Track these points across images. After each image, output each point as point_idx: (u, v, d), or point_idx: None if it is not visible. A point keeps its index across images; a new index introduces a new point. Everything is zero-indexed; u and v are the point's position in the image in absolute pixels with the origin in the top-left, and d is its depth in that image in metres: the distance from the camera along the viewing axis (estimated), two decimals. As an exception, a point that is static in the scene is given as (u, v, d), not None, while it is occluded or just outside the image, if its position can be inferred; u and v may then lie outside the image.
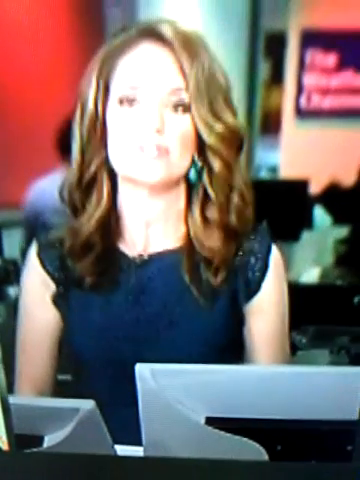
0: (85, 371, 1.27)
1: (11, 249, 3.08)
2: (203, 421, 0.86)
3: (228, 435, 0.86)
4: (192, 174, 1.24)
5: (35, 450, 0.89)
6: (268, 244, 1.25)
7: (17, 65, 4.47)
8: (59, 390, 1.33)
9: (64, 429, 0.89)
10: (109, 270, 1.25)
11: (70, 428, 0.88)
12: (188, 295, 1.21)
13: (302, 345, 2.02)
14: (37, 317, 1.30)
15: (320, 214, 4.41)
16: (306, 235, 3.59)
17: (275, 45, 7.69)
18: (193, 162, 1.22)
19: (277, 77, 7.85)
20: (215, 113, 1.18)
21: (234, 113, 1.21)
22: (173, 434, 0.88)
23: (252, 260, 1.23)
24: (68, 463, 0.78)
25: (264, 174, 6.68)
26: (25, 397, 0.91)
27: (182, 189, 1.25)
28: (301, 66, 8.05)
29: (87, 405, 0.88)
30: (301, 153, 7.38)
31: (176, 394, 0.85)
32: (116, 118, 1.19)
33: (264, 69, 7.74)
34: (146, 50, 1.18)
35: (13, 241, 3.19)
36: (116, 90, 1.19)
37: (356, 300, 2.30)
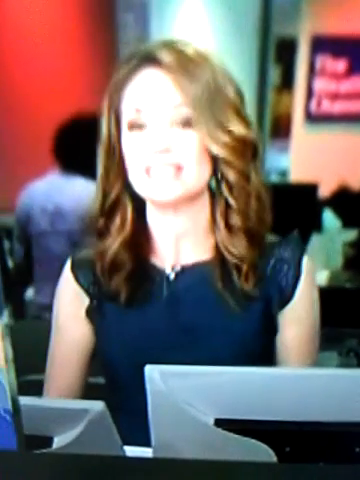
0: (120, 381, 1.29)
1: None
2: (212, 422, 0.87)
3: (237, 436, 0.86)
4: (212, 184, 1.26)
5: (44, 451, 0.89)
6: (300, 252, 1.27)
7: (29, 71, 4.50)
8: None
9: (74, 430, 0.89)
10: (142, 284, 1.27)
11: (79, 429, 0.89)
12: (221, 304, 1.23)
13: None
14: (69, 331, 1.32)
15: (329, 217, 4.40)
16: (315, 238, 3.58)
17: (286, 51, 7.71)
18: (212, 173, 1.24)
19: (287, 82, 7.86)
20: (222, 126, 1.19)
21: (246, 123, 1.23)
22: (182, 435, 0.88)
23: (285, 268, 1.25)
24: (77, 464, 0.79)
25: (274, 178, 6.69)
26: (35, 398, 0.91)
27: (206, 200, 1.26)
28: (311, 71, 8.05)
29: (96, 406, 0.88)
30: (311, 157, 7.37)
31: (185, 396, 0.86)
32: (128, 144, 1.22)
33: (275, 74, 7.75)
34: (148, 75, 1.21)
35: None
36: (125, 117, 1.22)
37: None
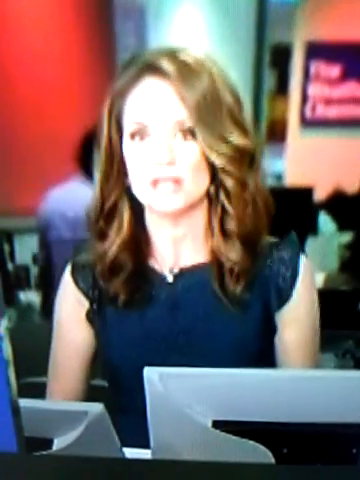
0: (121, 383, 1.30)
1: (23, 255, 3.08)
2: (210, 424, 0.87)
3: (235, 438, 0.86)
4: (210, 190, 1.26)
5: (44, 453, 0.90)
6: (297, 253, 1.27)
7: (28, 78, 4.51)
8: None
9: (73, 432, 0.90)
10: (142, 287, 1.28)
11: (79, 431, 0.89)
12: (220, 306, 1.24)
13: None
14: (71, 334, 1.33)
15: (325, 220, 4.42)
16: (311, 241, 3.59)
17: (281, 57, 7.72)
18: (210, 181, 1.24)
19: (282, 87, 7.88)
20: (221, 136, 1.20)
21: (244, 130, 1.23)
22: (181, 437, 0.89)
23: (282, 269, 1.26)
24: (77, 466, 0.79)
25: (270, 181, 6.67)
26: (35, 400, 0.91)
27: (204, 205, 1.27)
28: (306, 77, 8.06)
29: (96, 408, 0.89)
30: (306, 161, 7.38)
31: (184, 397, 0.86)
32: (130, 152, 1.23)
33: (270, 80, 7.76)
34: (149, 85, 1.21)
35: (25, 247, 3.19)
36: (127, 126, 1.23)
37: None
